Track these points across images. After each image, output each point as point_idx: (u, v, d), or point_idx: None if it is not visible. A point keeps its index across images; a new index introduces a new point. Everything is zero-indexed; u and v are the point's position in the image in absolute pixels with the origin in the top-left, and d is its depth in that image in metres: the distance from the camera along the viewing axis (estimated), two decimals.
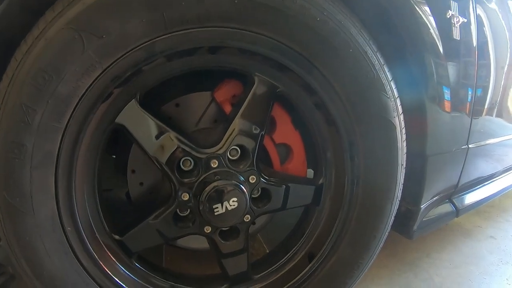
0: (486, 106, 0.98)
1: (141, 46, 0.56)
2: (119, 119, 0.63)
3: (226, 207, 0.64)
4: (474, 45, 0.86)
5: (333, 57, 0.63)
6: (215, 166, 0.65)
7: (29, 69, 0.54)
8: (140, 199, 0.76)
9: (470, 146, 0.92)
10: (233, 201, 0.64)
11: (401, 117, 0.72)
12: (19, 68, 0.54)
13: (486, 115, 0.99)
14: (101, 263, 0.66)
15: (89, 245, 0.65)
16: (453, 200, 0.98)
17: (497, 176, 1.16)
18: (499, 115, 1.08)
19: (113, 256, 0.68)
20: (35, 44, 0.54)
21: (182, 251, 0.86)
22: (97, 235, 0.67)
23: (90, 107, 0.58)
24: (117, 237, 0.69)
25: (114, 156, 0.82)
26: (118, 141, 0.76)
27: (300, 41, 0.61)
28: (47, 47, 0.53)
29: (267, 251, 1.00)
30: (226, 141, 0.65)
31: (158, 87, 0.66)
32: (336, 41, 0.62)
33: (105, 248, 0.68)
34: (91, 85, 0.56)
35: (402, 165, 0.73)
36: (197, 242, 0.81)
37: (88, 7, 0.53)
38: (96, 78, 0.56)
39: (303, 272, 0.76)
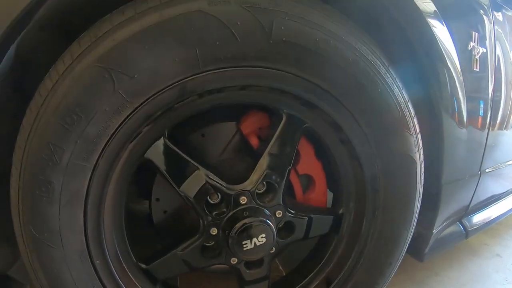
0: (498, 126, 1.00)
1: (174, 85, 0.55)
2: (148, 155, 0.62)
3: (255, 243, 0.65)
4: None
5: (362, 97, 0.63)
6: (244, 202, 0.66)
7: (56, 108, 0.52)
8: (163, 226, 0.76)
9: (483, 171, 0.94)
10: (261, 237, 0.65)
11: (421, 151, 0.73)
12: (44, 106, 0.53)
13: (499, 135, 1.00)
14: None
15: (116, 275, 0.66)
16: (463, 221, 1.01)
17: (508, 195, 1.19)
18: None
19: (139, 285, 0.69)
20: (61, 81, 0.52)
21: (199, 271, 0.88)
22: (124, 265, 0.67)
23: (120, 146, 0.57)
24: (143, 266, 0.70)
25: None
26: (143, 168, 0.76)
27: (331, 81, 0.61)
28: (74, 85, 0.52)
29: (284, 273, 1.02)
30: (255, 177, 0.66)
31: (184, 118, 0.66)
32: (366, 81, 0.62)
33: (132, 277, 0.68)
34: (121, 124, 0.55)
35: (419, 196, 0.75)
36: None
37: (118, 44, 0.51)
38: (126, 118, 0.55)
39: None
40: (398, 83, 0.66)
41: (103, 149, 0.55)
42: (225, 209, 0.67)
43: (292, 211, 0.71)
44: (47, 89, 0.53)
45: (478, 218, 1.05)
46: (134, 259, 0.69)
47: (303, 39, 0.56)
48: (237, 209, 0.66)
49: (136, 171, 0.74)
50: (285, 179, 0.68)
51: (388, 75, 0.64)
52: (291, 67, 0.58)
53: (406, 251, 0.89)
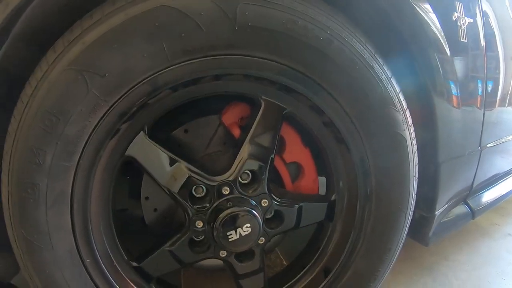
0: (498, 103, 0.95)
1: (145, 80, 0.56)
2: (129, 152, 0.63)
3: (239, 233, 0.64)
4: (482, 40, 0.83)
5: (339, 76, 0.62)
6: (226, 193, 0.65)
7: (36, 112, 0.54)
8: (155, 224, 0.77)
9: (483, 146, 0.90)
10: (246, 227, 0.64)
11: (411, 128, 0.70)
12: (26, 111, 0.55)
13: (499, 111, 0.96)
14: None
15: (108, 274, 0.66)
16: (468, 201, 0.96)
17: None
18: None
19: (131, 283, 0.69)
20: (39, 87, 0.54)
21: (199, 270, 0.87)
22: (115, 263, 0.68)
23: (99, 144, 0.58)
24: (135, 264, 0.70)
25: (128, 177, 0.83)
26: (131, 166, 0.76)
27: (303, 62, 0.59)
28: (51, 89, 0.53)
29: (285, 264, 1.00)
30: (236, 167, 0.65)
31: (165, 114, 0.66)
32: (341, 60, 0.60)
33: (124, 275, 0.69)
34: (98, 123, 0.56)
35: (414, 176, 0.72)
36: (211, 260, 0.81)
37: (88, 46, 0.52)
38: (102, 116, 0.56)
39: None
40: (378, 59, 0.64)
41: (83, 149, 0.57)
42: (209, 201, 0.66)
43: (278, 200, 0.70)
44: (28, 95, 0.55)
45: (485, 197, 1.00)
46: (126, 257, 0.69)
47: (269, 22, 0.55)
48: (221, 200, 0.65)
49: (127, 171, 0.75)
50: (268, 168, 0.67)
51: (366, 52, 0.63)
52: (260, 52, 0.57)
53: (410, 236, 0.86)
